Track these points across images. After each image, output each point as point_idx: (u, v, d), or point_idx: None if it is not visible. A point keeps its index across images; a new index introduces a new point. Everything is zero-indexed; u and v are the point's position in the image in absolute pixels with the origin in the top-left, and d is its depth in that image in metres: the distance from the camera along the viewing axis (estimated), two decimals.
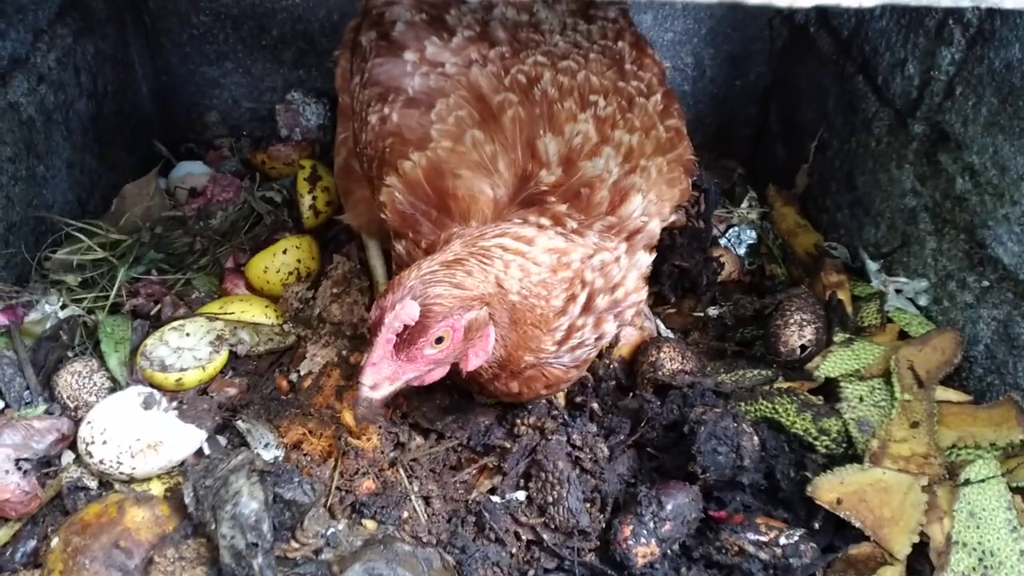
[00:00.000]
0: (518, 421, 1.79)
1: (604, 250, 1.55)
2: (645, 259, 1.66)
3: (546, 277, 1.48)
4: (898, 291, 2.06)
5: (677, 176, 1.69)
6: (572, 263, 1.50)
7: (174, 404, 1.84)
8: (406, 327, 1.34)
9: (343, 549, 1.56)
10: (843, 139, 2.34)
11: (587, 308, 1.54)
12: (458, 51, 1.68)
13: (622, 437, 1.80)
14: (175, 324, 2.06)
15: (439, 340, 1.39)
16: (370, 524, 1.66)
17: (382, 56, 1.74)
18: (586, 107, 1.60)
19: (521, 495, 1.70)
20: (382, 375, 1.39)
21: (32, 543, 1.64)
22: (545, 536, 1.62)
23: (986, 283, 1.81)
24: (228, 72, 2.90)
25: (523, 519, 1.65)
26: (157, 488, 1.74)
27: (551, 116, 1.57)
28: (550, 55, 1.68)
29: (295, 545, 1.55)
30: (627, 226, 1.59)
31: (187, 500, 1.52)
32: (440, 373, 1.50)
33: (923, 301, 2.02)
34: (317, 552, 1.55)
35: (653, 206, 1.63)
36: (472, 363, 1.48)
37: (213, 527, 1.45)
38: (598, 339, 1.62)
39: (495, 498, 1.69)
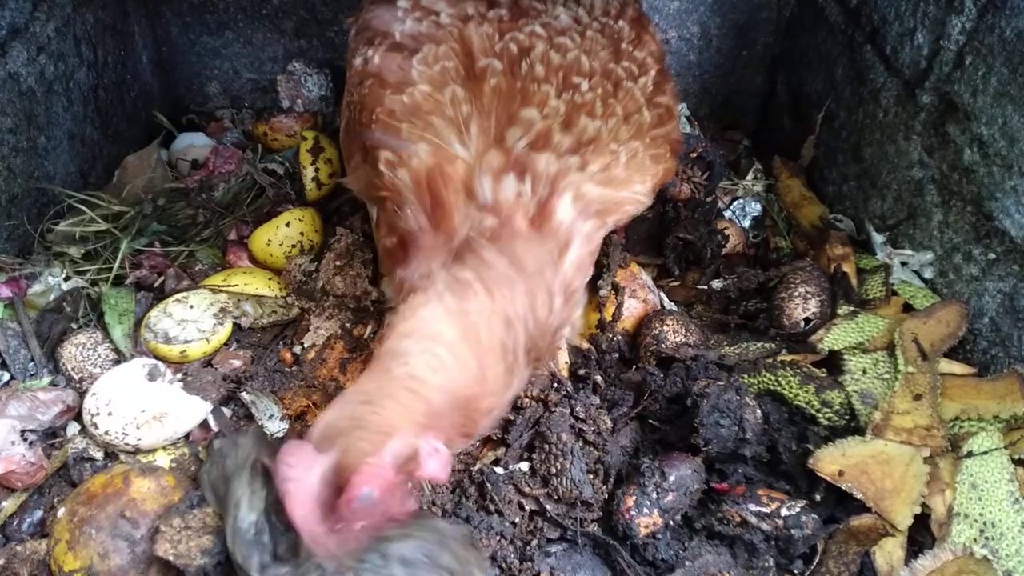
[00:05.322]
0: (522, 393, 1.79)
1: (525, 294, 1.40)
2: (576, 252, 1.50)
3: (473, 374, 1.31)
4: (903, 263, 2.05)
5: (662, 153, 1.64)
6: (494, 331, 1.34)
7: (179, 376, 1.85)
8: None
9: None
10: (850, 110, 2.32)
11: (525, 360, 1.41)
12: (455, 2, 1.65)
13: (625, 409, 1.80)
14: (179, 296, 2.06)
15: None
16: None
17: (377, 3, 1.72)
18: (564, 91, 1.55)
19: (524, 466, 1.70)
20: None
21: (39, 513, 1.65)
22: (548, 507, 1.63)
23: (992, 255, 1.79)
24: (229, 42, 2.87)
25: (526, 490, 1.66)
26: (163, 459, 1.75)
27: (525, 95, 1.52)
28: (548, 27, 1.65)
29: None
30: (559, 238, 1.47)
31: (208, 499, 1.51)
32: None
33: (928, 274, 2.01)
34: None
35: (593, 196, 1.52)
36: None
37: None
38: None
39: (499, 469, 1.70)
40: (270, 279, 2.15)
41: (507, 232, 1.43)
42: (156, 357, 1.92)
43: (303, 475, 1.16)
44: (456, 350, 1.31)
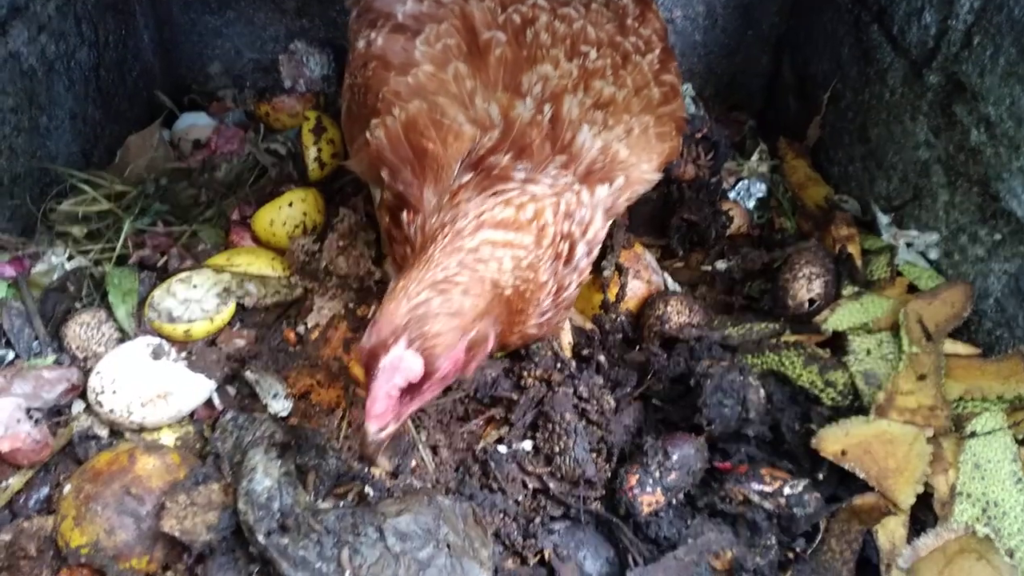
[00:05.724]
0: (525, 373, 1.79)
1: (564, 192, 1.48)
2: (603, 192, 1.55)
3: (532, 258, 1.42)
4: (909, 245, 2.04)
5: (668, 131, 1.64)
6: (547, 225, 1.44)
7: (183, 355, 1.85)
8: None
9: (383, 495, 1.58)
10: (857, 90, 2.30)
11: (568, 262, 1.50)
12: None
13: (628, 389, 1.80)
14: (182, 276, 2.06)
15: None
16: (376, 470, 1.67)
17: None
18: (574, 57, 1.55)
19: (528, 445, 1.71)
20: (387, 419, 1.32)
21: (45, 490, 1.66)
22: (551, 485, 1.64)
23: (998, 236, 1.79)
24: (230, 21, 2.85)
25: (530, 468, 1.66)
26: (168, 437, 1.76)
27: (532, 61, 1.53)
28: (551, 0, 1.65)
29: (333, 501, 1.57)
30: (582, 160, 1.50)
31: (223, 469, 1.55)
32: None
33: (934, 255, 2.01)
34: (361, 497, 1.58)
35: (622, 144, 1.54)
36: (473, 369, 1.43)
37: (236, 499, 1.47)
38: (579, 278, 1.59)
39: (502, 448, 1.71)
40: (273, 259, 2.15)
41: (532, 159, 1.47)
42: (160, 336, 1.92)
43: (390, 374, 1.27)
44: (512, 257, 1.40)
